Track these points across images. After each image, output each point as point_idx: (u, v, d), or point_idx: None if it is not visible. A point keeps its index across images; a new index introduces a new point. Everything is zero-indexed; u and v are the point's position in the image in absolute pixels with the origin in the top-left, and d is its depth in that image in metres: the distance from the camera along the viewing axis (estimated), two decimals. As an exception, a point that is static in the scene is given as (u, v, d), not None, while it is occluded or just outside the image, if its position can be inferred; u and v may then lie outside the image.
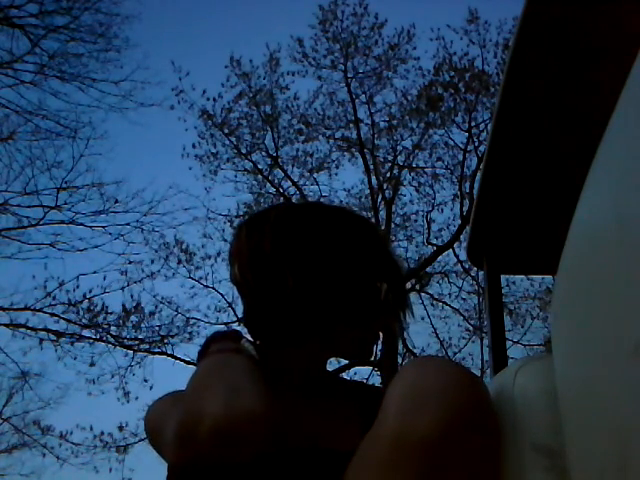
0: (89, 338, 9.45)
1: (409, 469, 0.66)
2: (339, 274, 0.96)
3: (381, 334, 1.05)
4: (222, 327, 9.88)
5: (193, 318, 9.91)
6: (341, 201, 10.76)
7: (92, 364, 9.43)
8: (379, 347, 9.51)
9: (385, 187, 10.66)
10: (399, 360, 9.48)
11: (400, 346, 9.67)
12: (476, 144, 10.23)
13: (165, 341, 9.60)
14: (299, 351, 0.99)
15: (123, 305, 9.60)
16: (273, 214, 1.01)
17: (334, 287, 0.95)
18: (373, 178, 10.55)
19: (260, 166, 10.70)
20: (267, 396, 0.78)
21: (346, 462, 0.78)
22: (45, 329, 9.21)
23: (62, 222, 9.41)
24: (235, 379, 0.79)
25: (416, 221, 10.73)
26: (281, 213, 1.01)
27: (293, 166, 10.71)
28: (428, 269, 10.41)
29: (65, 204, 9.43)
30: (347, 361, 9.45)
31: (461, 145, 10.39)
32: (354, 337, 0.99)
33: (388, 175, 10.73)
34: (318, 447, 0.92)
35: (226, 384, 0.77)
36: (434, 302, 10.48)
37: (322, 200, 10.44)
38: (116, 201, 9.62)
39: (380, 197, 10.55)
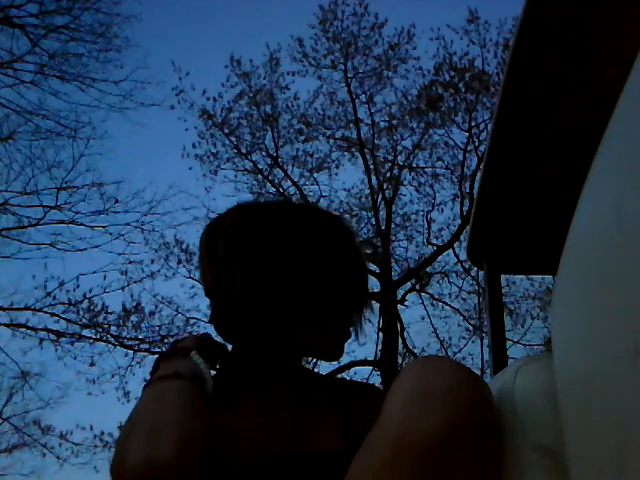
0: (89, 338, 9.46)
1: (411, 471, 0.66)
2: (294, 274, 0.94)
3: (353, 333, 1.04)
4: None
5: (193, 318, 9.93)
6: (341, 201, 10.79)
7: (92, 364, 9.44)
8: (379, 347, 9.52)
9: (385, 187, 10.67)
10: (399, 360, 9.48)
11: (400, 346, 9.68)
12: (476, 144, 10.24)
13: (165, 341, 9.58)
14: (267, 352, 0.98)
15: (123, 305, 9.62)
16: (231, 216, 1.01)
17: (288, 287, 0.94)
18: (373, 178, 10.56)
19: (260, 166, 10.72)
20: (194, 432, 0.80)
21: (326, 464, 0.77)
22: (45, 329, 9.21)
23: (62, 222, 9.42)
24: (160, 420, 0.80)
25: (416, 221, 10.75)
26: (238, 214, 1.01)
27: (293, 166, 10.72)
28: (428, 269, 10.42)
29: (65, 204, 9.44)
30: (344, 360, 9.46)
31: (461, 145, 10.40)
32: (320, 337, 0.98)
33: (388, 175, 10.74)
34: (296, 452, 0.91)
35: (149, 429, 0.78)
36: (434, 302, 10.50)
37: (322, 200, 10.48)
38: (116, 201, 9.63)
39: (380, 197, 10.56)
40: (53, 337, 9.20)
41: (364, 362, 9.62)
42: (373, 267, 10.05)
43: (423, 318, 10.28)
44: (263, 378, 0.98)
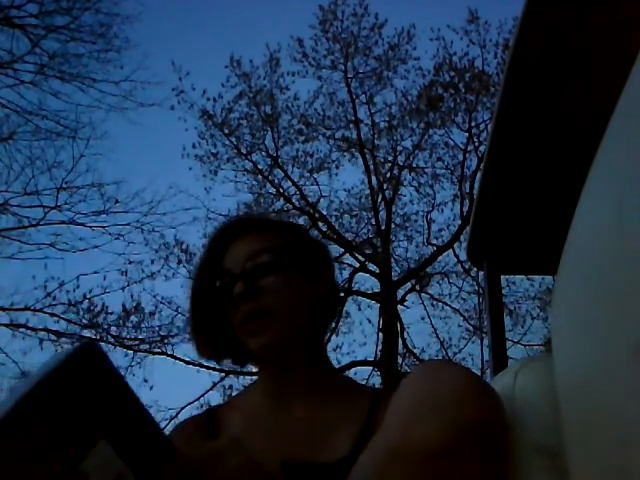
0: (89, 338, 9.45)
1: (406, 479, 0.65)
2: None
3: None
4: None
5: (193, 318, 9.88)
6: (341, 201, 10.80)
7: (92, 364, 9.42)
8: (379, 347, 9.52)
9: (385, 187, 10.67)
10: (399, 360, 9.49)
11: (400, 346, 9.68)
12: (476, 144, 10.24)
13: (165, 341, 9.58)
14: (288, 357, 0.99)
15: (123, 305, 9.60)
16: None
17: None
18: (373, 178, 10.55)
19: (260, 166, 10.71)
20: None
21: (333, 473, 0.76)
22: (45, 329, 9.19)
23: (62, 222, 9.40)
24: None
25: (416, 221, 10.75)
26: None
27: (293, 166, 10.71)
28: (428, 269, 10.42)
29: (65, 204, 9.42)
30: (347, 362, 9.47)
31: (461, 145, 10.40)
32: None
33: (388, 175, 10.74)
34: (305, 461, 0.89)
35: None
36: (434, 302, 10.49)
37: (322, 200, 10.49)
38: (116, 201, 9.61)
39: (380, 197, 10.56)
40: (53, 337, 9.20)
41: (364, 362, 9.62)
42: (373, 267, 10.06)
43: (423, 318, 10.28)
44: (280, 382, 0.98)
